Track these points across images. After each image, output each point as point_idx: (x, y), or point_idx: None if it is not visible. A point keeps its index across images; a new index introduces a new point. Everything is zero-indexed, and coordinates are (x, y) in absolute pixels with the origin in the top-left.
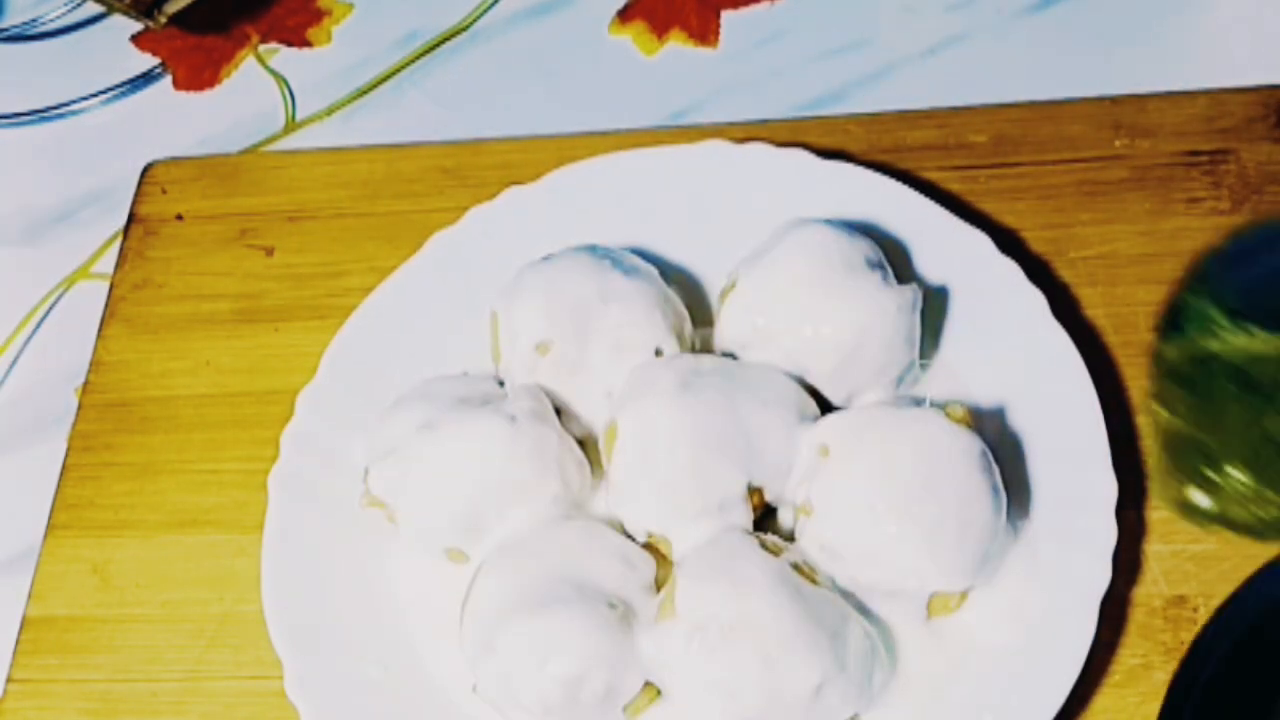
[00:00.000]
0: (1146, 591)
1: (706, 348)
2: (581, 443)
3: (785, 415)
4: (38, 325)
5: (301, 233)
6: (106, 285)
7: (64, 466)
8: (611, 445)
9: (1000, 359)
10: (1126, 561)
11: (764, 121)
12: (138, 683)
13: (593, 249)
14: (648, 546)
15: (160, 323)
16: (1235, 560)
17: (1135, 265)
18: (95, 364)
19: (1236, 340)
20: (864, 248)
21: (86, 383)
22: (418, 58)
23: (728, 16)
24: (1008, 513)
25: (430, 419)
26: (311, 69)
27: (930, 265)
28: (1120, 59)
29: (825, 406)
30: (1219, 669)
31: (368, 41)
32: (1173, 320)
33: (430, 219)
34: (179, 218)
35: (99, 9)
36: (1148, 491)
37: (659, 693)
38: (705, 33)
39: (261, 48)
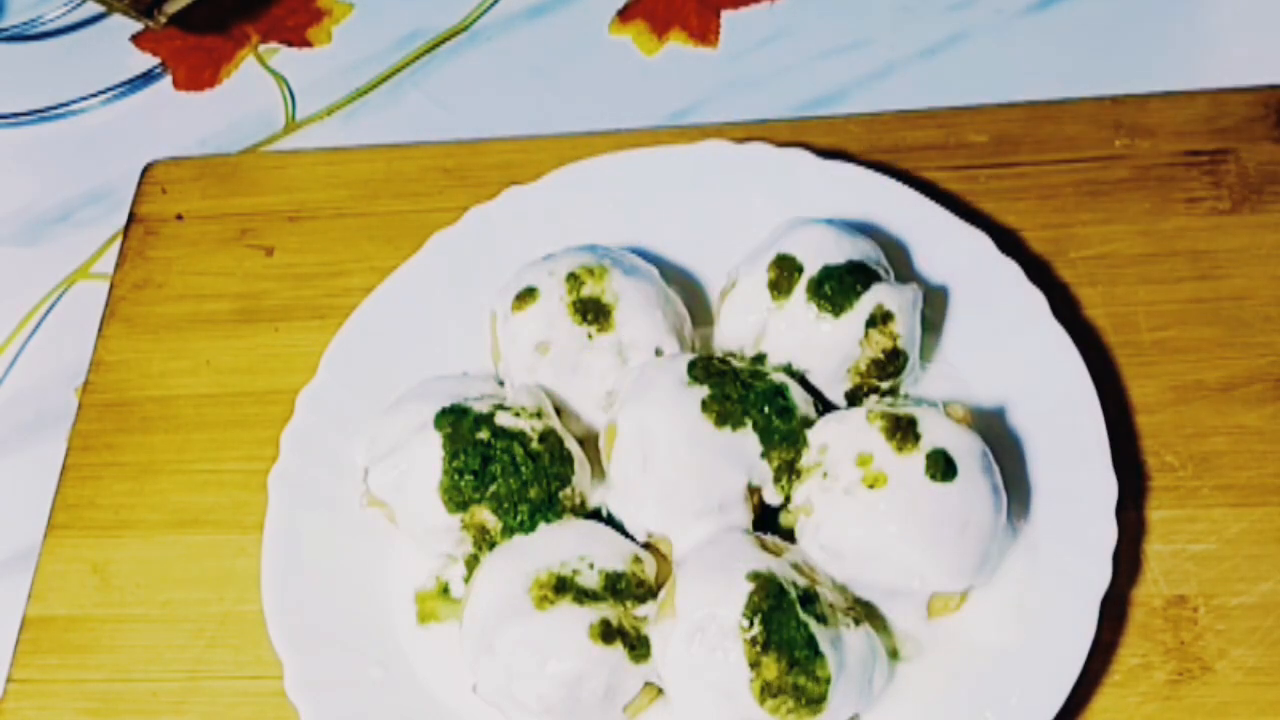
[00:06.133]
0: (1146, 591)
1: (706, 348)
2: (581, 442)
3: None
4: (38, 325)
5: (301, 233)
6: (106, 285)
7: (64, 466)
8: (611, 445)
9: (1000, 359)
10: (1126, 561)
11: (764, 121)
12: (138, 683)
13: (593, 249)
14: (648, 546)
15: (160, 323)
16: (1235, 560)
17: (1135, 265)
18: (95, 364)
19: None
20: (864, 247)
21: (86, 383)
22: (418, 58)
23: (728, 16)
24: (1008, 513)
25: (430, 419)
26: (311, 69)
27: (930, 265)
28: (1120, 59)
29: (825, 406)
30: None
31: (368, 41)
32: None
33: (430, 219)
34: (179, 218)
35: (99, 9)
36: (1148, 491)
37: (659, 692)
38: (705, 33)
39: (261, 48)
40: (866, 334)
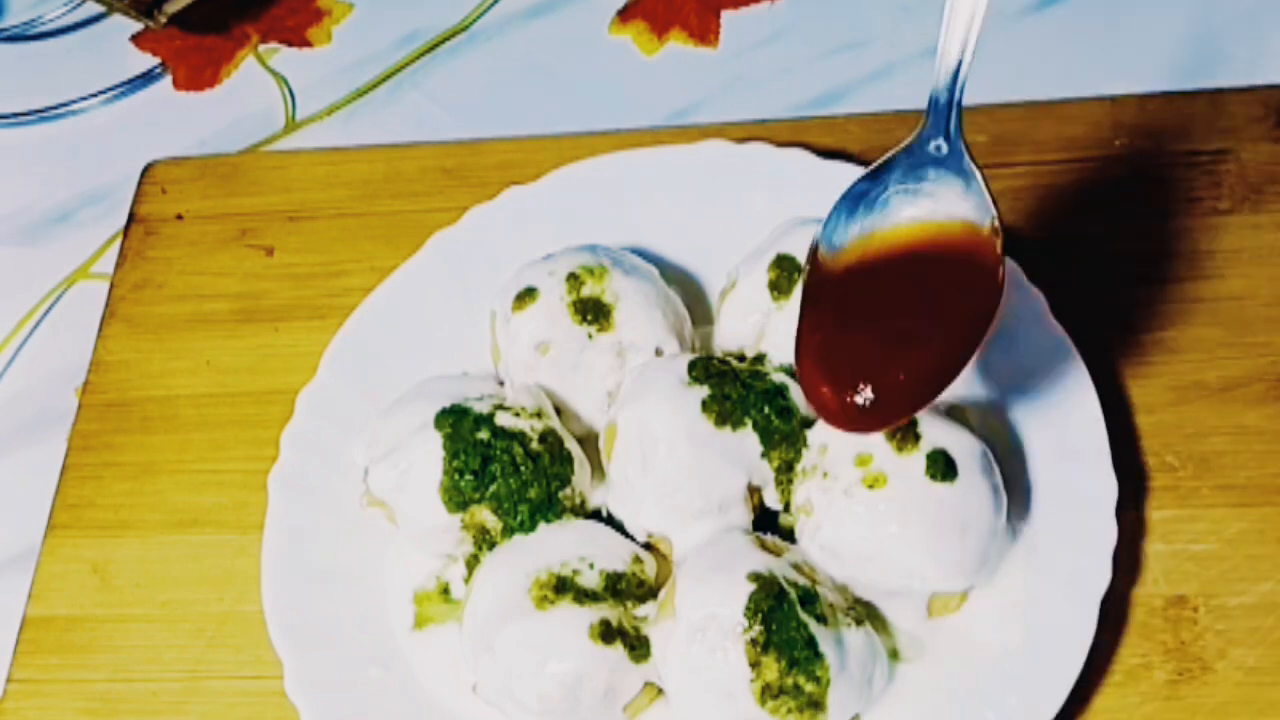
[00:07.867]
0: (1146, 591)
1: (706, 348)
2: (581, 442)
3: None
4: (37, 325)
5: (301, 233)
6: (106, 285)
7: (64, 466)
8: (611, 445)
9: (1000, 359)
10: (1126, 561)
11: (764, 121)
12: (138, 683)
13: (593, 249)
14: (648, 546)
15: (160, 323)
16: (1235, 560)
17: (1135, 265)
18: (95, 364)
19: None
20: None
21: (86, 383)
22: (418, 58)
23: (728, 16)
24: (1008, 513)
25: (430, 419)
26: (311, 69)
27: None
28: (1120, 59)
29: None
30: None
31: (368, 41)
32: None
33: (430, 219)
34: (179, 218)
35: (99, 9)
36: (1148, 491)
37: (659, 692)
38: (705, 33)
39: (261, 48)
40: None
